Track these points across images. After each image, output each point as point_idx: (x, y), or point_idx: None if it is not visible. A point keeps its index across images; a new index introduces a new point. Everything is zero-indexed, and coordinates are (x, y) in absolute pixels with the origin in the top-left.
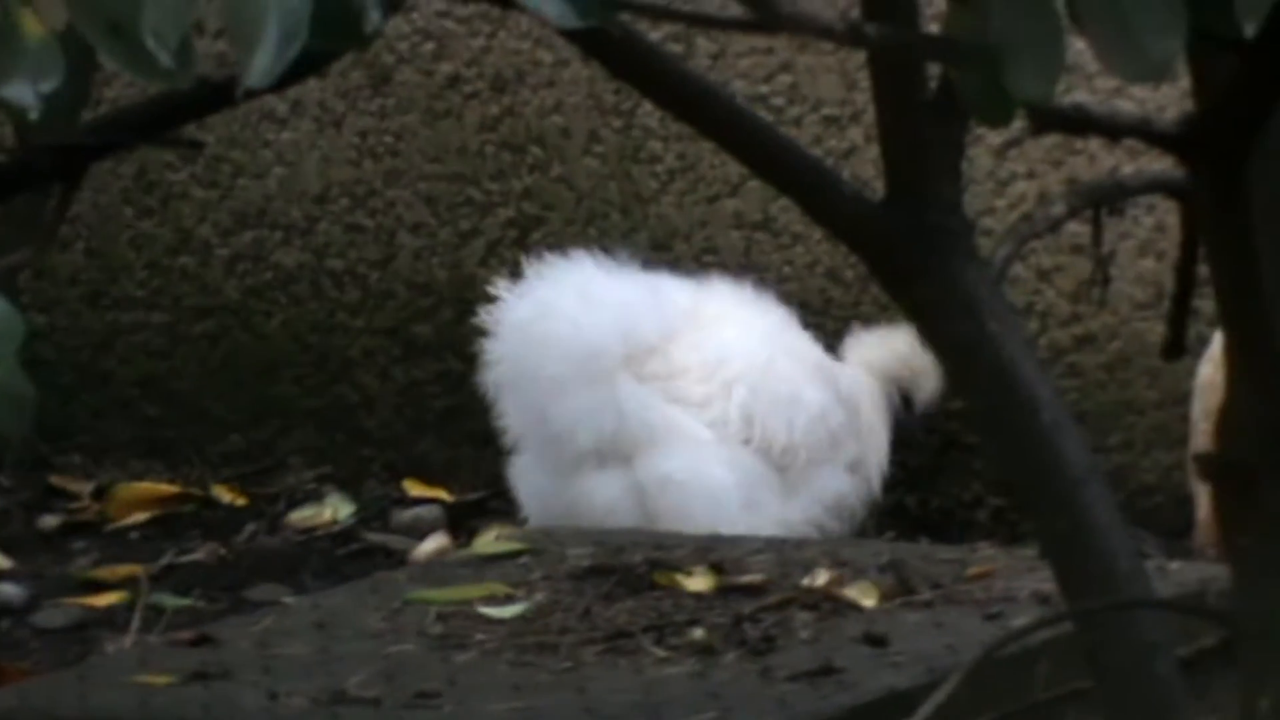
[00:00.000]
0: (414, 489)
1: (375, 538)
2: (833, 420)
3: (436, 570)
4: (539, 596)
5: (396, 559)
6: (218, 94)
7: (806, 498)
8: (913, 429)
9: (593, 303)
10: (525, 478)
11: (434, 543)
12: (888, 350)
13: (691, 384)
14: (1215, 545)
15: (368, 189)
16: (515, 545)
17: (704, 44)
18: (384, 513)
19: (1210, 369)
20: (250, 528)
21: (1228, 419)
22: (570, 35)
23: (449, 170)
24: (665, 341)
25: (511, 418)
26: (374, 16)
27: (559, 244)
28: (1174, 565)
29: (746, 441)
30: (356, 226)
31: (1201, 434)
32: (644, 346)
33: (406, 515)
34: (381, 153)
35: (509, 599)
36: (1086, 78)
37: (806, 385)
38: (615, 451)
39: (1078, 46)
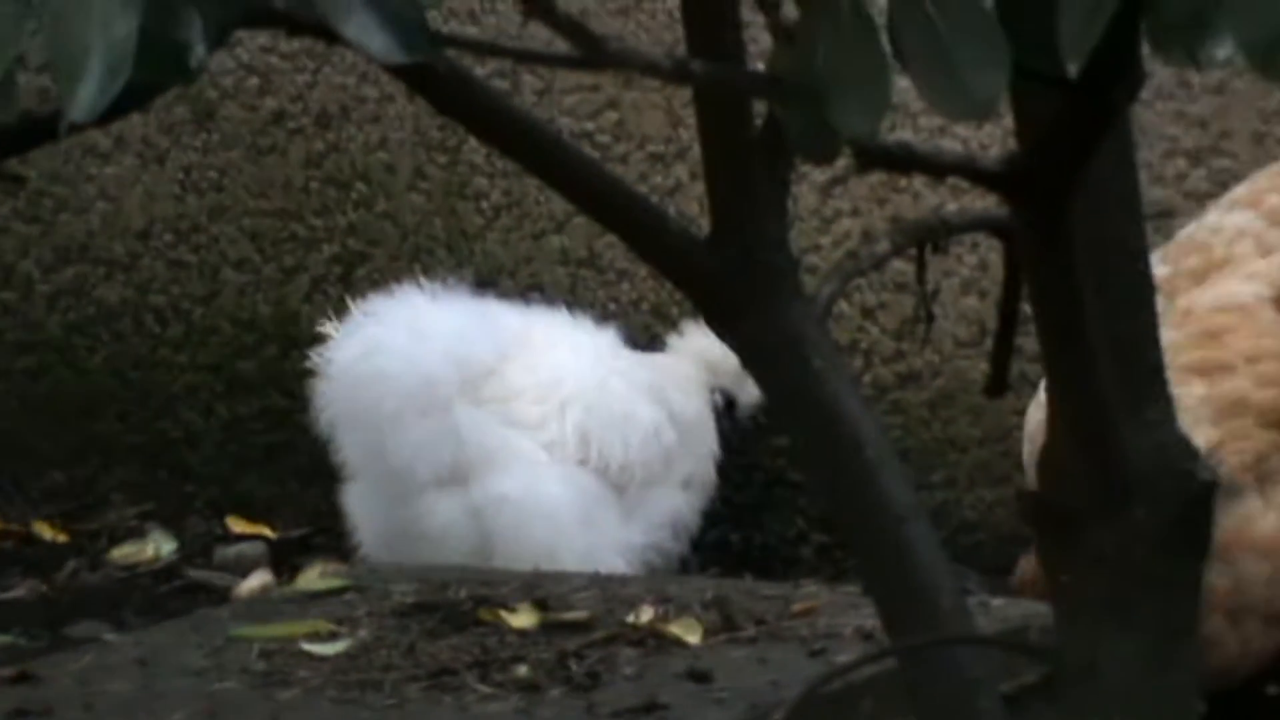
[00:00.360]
0: (237, 525)
1: (198, 574)
2: (666, 438)
3: (260, 607)
4: (363, 633)
5: (219, 596)
6: (40, 128)
7: (644, 518)
8: (737, 435)
9: (423, 335)
10: (360, 504)
11: (257, 579)
12: (716, 346)
13: (527, 406)
14: (1031, 589)
15: (191, 224)
16: (339, 582)
17: (530, 80)
18: (207, 549)
19: (1040, 412)
20: (72, 564)
21: (1050, 459)
22: (396, 71)
23: (273, 206)
24: (500, 364)
25: (349, 454)
26: (199, 52)
27: (384, 280)
28: (996, 602)
29: (583, 461)
30: (180, 262)
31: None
32: (479, 371)
33: (230, 552)
34: (205, 188)
35: (333, 636)
36: (911, 116)
37: (639, 404)
38: (454, 476)
39: (903, 85)
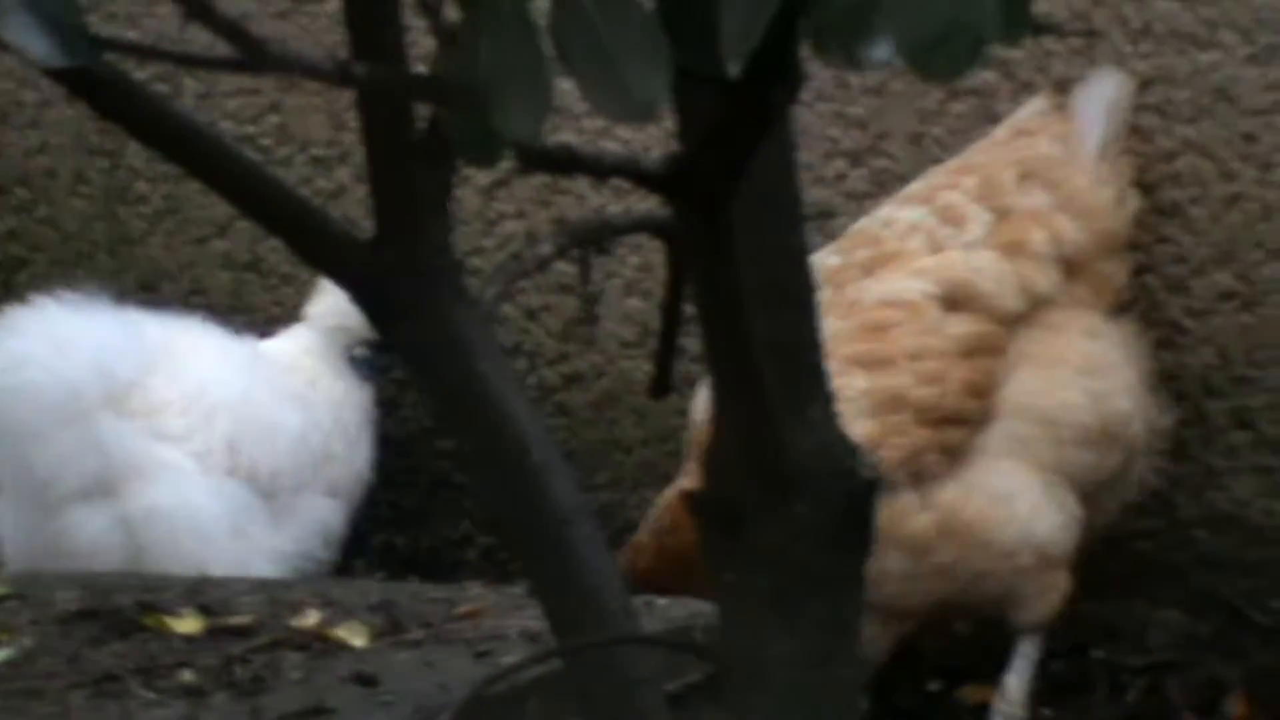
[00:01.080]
0: None
1: None
2: (313, 443)
3: None
4: (26, 641)
5: None
6: None
7: (294, 526)
8: (385, 380)
9: (64, 346)
10: (4, 518)
11: None
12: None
13: (173, 417)
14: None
15: None
16: (0, 589)
17: (191, 84)
18: None
19: (704, 413)
20: None
21: (715, 456)
22: (56, 75)
23: None
24: (144, 377)
25: None
26: None
27: (45, 286)
28: (661, 601)
29: (231, 471)
30: None
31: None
32: (123, 383)
33: None
34: None
35: None
36: (574, 118)
37: (285, 411)
38: (100, 488)
39: (565, 87)
